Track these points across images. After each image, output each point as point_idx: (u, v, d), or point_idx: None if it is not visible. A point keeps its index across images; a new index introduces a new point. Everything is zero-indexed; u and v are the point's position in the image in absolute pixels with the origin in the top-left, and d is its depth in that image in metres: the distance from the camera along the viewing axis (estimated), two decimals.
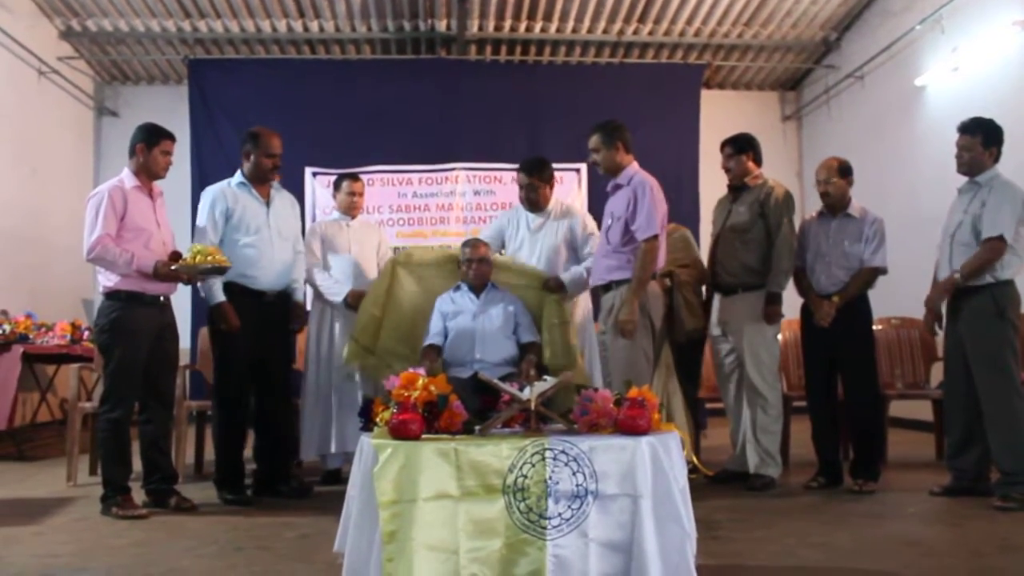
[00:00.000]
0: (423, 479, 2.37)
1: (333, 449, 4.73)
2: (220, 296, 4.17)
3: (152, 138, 4.11)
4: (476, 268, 4.37)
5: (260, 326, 4.22)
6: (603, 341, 4.24)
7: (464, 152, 7.97)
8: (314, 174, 7.89)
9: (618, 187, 4.27)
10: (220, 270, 4.02)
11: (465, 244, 4.52)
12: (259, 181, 4.34)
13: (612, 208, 4.27)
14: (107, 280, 3.98)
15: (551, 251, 4.63)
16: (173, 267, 3.96)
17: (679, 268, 4.79)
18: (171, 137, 4.18)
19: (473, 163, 7.94)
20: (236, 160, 4.51)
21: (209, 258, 3.95)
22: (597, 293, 4.41)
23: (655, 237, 4.05)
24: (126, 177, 4.07)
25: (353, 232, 4.99)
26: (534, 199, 4.64)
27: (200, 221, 4.29)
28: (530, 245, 4.66)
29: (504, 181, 7.89)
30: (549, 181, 4.69)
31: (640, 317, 4.07)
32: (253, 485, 4.37)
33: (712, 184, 7.01)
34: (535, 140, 7.96)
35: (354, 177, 5.13)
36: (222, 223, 4.24)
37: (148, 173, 4.12)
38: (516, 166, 7.67)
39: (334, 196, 5.14)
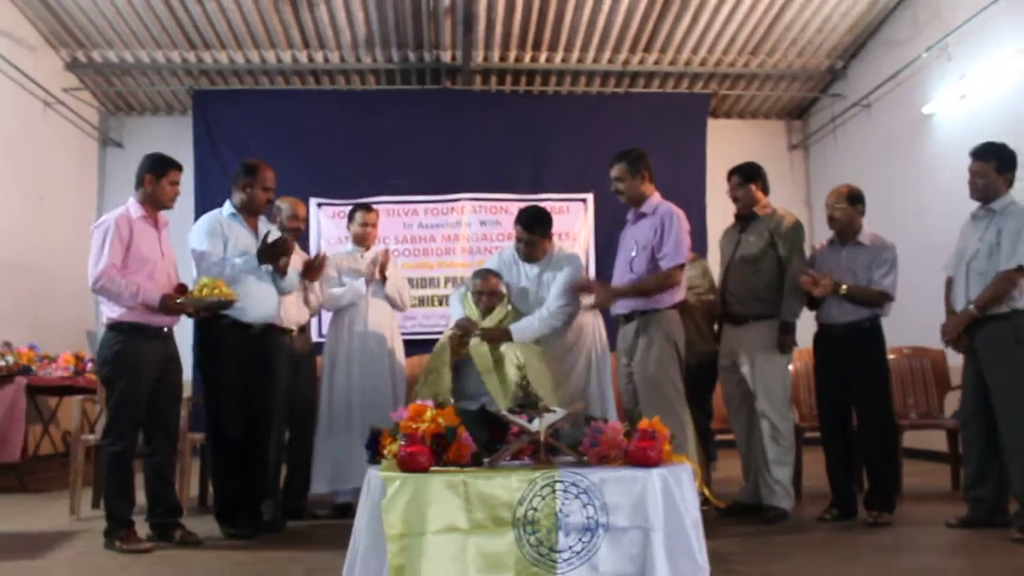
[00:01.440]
0: (432, 512, 2.37)
1: (347, 485, 4.72)
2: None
3: (160, 168, 4.13)
4: (487, 300, 4.42)
5: (245, 358, 4.22)
6: (628, 373, 4.26)
7: (470, 182, 8.02)
8: (319, 205, 7.95)
9: (641, 216, 4.31)
10: (226, 304, 4.04)
11: (475, 275, 4.56)
12: (251, 213, 4.36)
13: (636, 237, 4.31)
14: (111, 311, 3.99)
15: (540, 298, 4.54)
16: (179, 300, 3.98)
17: (694, 295, 4.81)
18: (179, 167, 4.21)
19: (479, 193, 8.00)
20: None
21: (216, 291, 3.97)
22: (618, 323, 4.42)
23: (681, 267, 4.11)
24: (132, 207, 4.09)
25: (367, 262, 5.04)
26: (532, 254, 4.56)
27: (200, 245, 4.25)
28: (532, 294, 4.59)
29: (510, 211, 7.92)
30: (547, 235, 4.59)
31: (667, 347, 4.12)
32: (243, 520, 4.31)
33: (719, 214, 7.03)
34: (541, 170, 8.01)
35: (367, 208, 5.19)
36: (222, 248, 4.25)
37: (155, 203, 4.14)
38: (522, 196, 7.91)
39: (348, 227, 5.21)
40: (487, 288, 4.44)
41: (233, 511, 4.25)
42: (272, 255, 4.21)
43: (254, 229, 4.36)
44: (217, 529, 4.24)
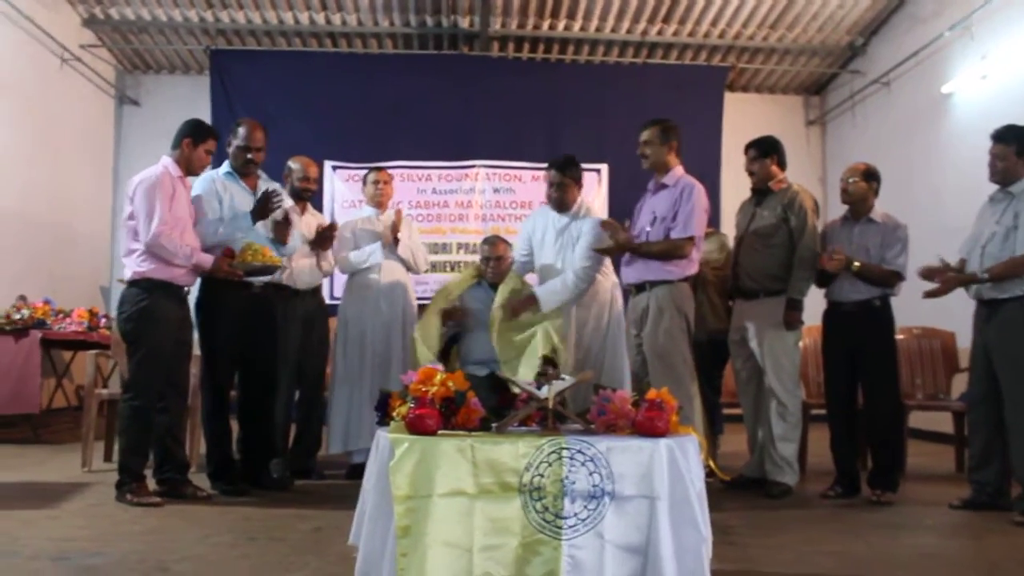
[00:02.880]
0: (439, 475, 2.37)
1: (361, 444, 4.75)
2: (209, 256, 4.13)
3: (200, 135, 4.18)
4: (495, 266, 4.45)
5: (245, 317, 4.25)
6: (637, 344, 4.26)
7: (484, 149, 7.99)
8: (334, 168, 7.94)
9: (662, 187, 4.32)
10: (272, 269, 4.13)
11: (484, 242, 4.62)
12: (244, 173, 4.37)
13: (655, 208, 4.32)
14: (138, 266, 3.99)
15: (559, 252, 4.56)
16: (232, 263, 4.05)
17: (710, 270, 4.80)
18: (216, 137, 4.27)
19: (493, 160, 7.98)
20: None
21: (260, 256, 4.05)
22: (629, 293, 4.43)
23: (691, 239, 4.11)
24: (170, 166, 4.12)
25: (384, 224, 5.04)
26: (562, 198, 4.57)
27: (199, 200, 4.28)
28: (555, 247, 4.60)
29: (524, 180, 7.93)
30: (578, 180, 4.65)
31: (677, 319, 4.15)
32: (235, 476, 4.37)
33: (734, 188, 7.01)
34: (555, 139, 7.97)
35: (379, 169, 5.23)
36: (217, 206, 4.26)
37: (188, 168, 4.19)
38: (536, 165, 7.88)
39: (363, 191, 5.23)
40: (495, 254, 4.47)
41: (226, 469, 4.30)
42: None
43: (252, 188, 4.36)
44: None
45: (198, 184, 4.32)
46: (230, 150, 4.37)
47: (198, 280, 4.25)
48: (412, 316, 4.99)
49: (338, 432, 4.84)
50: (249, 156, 4.33)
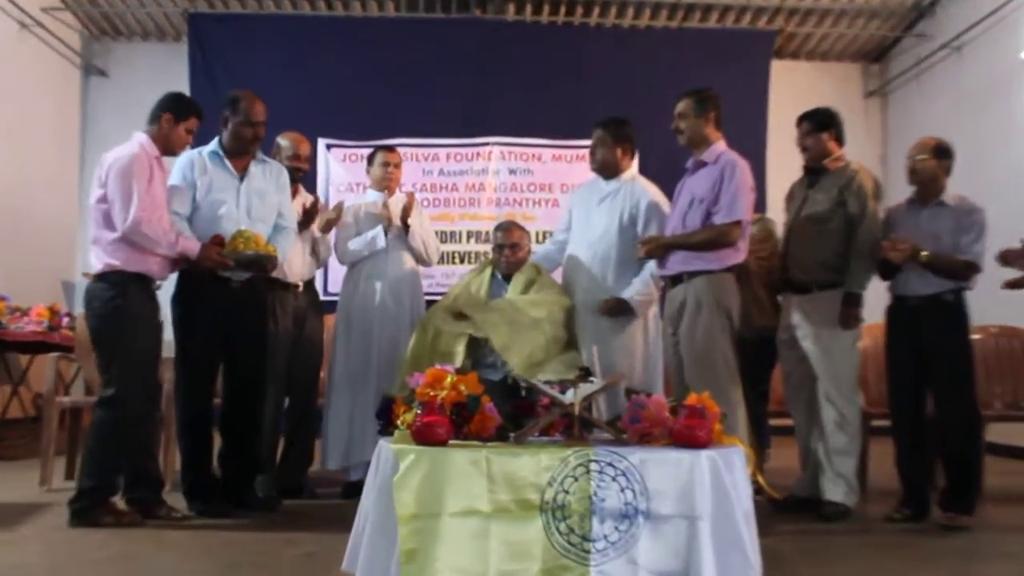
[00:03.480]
0: (450, 491, 2.37)
1: (363, 457, 4.70)
2: (196, 243, 4.14)
3: (182, 112, 4.18)
4: (509, 255, 4.45)
5: (228, 314, 4.26)
6: (673, 344, 4.25)
7: (499, 125, 7.99)
8: (328, 146, 7.94)
9: (701, 165, 4.30)
10: (265, 260, 4.16)
11: (498, 228, 4.62)
12: (237, 152, 4.37)
13: (693, 189, 4.29)
14: (108, 257, 3.99)
15: (611, 228, 4.56)
16: (222, 252, 4.07)
17: (755, 260, 4.77)
18: (200, 116, 4.27)
19: (509, 137, 7.97)
20: None
21: (253, 244, 4.08)
22: (665, 285, 4.42)
23: (737, 224, 4.09)
24: (147, 144, 4.11)
25: (391, 210, 4.99)
26: (604, 159, 4.62)
27: (173, 180, 4.29)
28: (587, 218, 4.63)
29: (544, 159, 7.91)
30: (623, 143, 4.65)
31: (718, 315, 4.12)
32: (215, 495, 4.37)
33: (781, 168, 6.98)
34: (579, 113, 7.92)
35: (389, 148, 5.23)
36: (191, 195, 4.26)
37: (166, 147, 4.18)
38: (557, 142, 7.88)
39: (367, 170, 5.22)
40: (509, 240, 4.48)
41: (205, 487, 4.30)
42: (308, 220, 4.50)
43: (240, 171, 4.36)
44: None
45: (178, 169, 4.32)
46: (228, 128, 4.35)
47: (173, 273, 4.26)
48: (420, 314, 4.98)
49: (335, 445, 4.83)
50: (255, 134, 4.36)
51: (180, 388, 4.34)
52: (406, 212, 4.90)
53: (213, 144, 4.38)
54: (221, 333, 4.26)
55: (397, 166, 5.12)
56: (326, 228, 4.87)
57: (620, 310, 4.44)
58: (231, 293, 4.27)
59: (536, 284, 4.54)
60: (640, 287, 4.48)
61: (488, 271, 4.69)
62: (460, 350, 4.26)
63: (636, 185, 4.65)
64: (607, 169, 4.67)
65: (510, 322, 4.27)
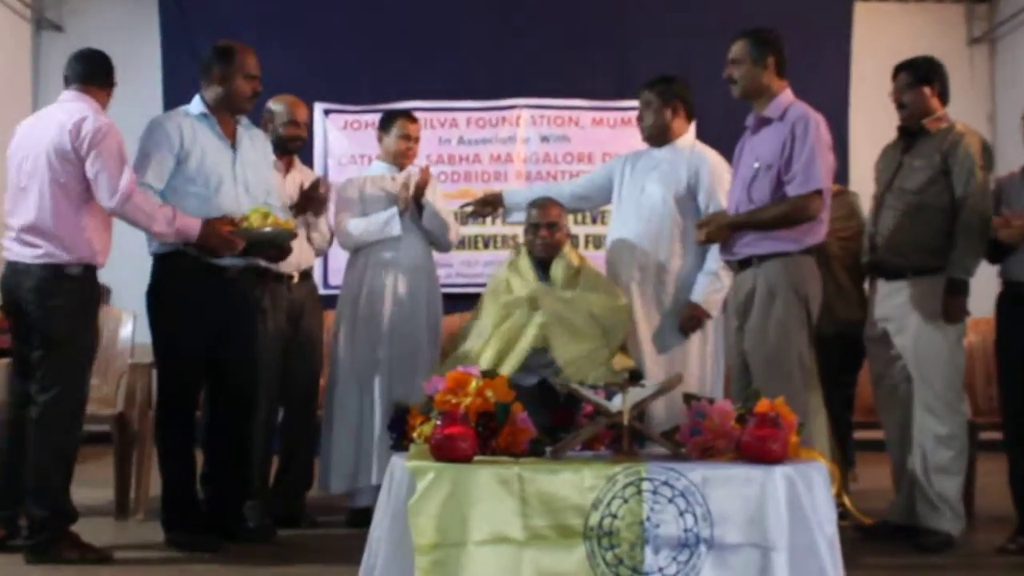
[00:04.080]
0: (476, 515, 2.39)
1: (372, 480, 4.73)
2: (195, 220, 4.17)
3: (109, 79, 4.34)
4: (546, 236, 4.43)
5: (217, 310, 4.29)
6: (739, 340, 4.25)
7: (528, 84, 7.95)
8: (326, 112, 7.95)
9: (764, 123, 4.25)
10: (283, 237, 4.23)
11: (532, 204, 4.58)
12: (231, 111, 4.40)
13: (756, 152, 4.25)
14: (61, 249, 4.03)
15: (667, 202, 4.57)
16: (233, 230, 4.12)
17: (837, 241, 4.75)
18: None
19: (540, 99, 7.93)
20: None
21: (270, 221, 4.14)
22: (732, 270, 4.41)
23: (816, 194, 4.04)
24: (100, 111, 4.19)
25: (399, 184, 4.97)
26: (655, 127, 4.65)
27: (158, 147, 4.28)
28: (635, 192, 4.65)
29: (582, 123, 7.87)
30: (673, 103, 4.67)
31: (793, 306, 4.08)
32: (199, 524, 4.40)
33: (866, 132, 6.92)
34: (624, 67, 7.93)
35: (409, 116, 5.16)
36: (171, 165, 4.28)
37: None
38: (598, 103, 7.84)
39: (379, 139, 5.19)
40: (546, 219, 4.45)
41: (188, 514, 4.33)
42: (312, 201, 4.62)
43: (230, 137, 4.39)
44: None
45: (151, 135, 4.32)
46: (221, 85, 4.36)
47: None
48: (437, 309, 5.02)
49: (338, 464, 4.83)
50: (254, 90, 4.41)
51: (161, 399, 4.38)
52: (419, 189, 4.87)
53: (197, 105, 4.38)
54: (211, 334, 4.29)
55: (416, 140, 5.11)
56: (316, 210, 4.86)
57: (700, 320, 4.50)
58: (223, 285, 4.30)
59: (581, 276, 4.52)
60: (710, 284, 4.50)
61: (526, 259, 4.63)
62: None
63: (695, 152, 4.66)
64: (658, 136, 4.69)
65: (572, 331, 4.29)
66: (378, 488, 4.62)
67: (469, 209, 5.21)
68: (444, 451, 2.47)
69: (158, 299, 4.34)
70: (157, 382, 4.42)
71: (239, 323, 4.37)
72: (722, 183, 4.56)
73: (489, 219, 7.80)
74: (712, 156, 4.65)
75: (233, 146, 4.38)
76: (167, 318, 4.31)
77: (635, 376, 3.80)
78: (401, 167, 5.08)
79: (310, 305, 4.94)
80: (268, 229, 4.11)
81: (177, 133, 4.26)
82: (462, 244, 7.69)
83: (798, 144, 4.08)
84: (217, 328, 4.30)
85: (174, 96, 7.78)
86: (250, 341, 4.43)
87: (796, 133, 4.09)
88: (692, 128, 4.78)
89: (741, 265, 4.26)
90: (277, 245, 4.24)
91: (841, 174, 7.19)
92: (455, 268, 7.56)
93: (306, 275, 4.93)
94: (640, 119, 4.75)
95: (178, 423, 4.35)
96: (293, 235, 4.28)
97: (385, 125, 5.14)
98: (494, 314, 4.41)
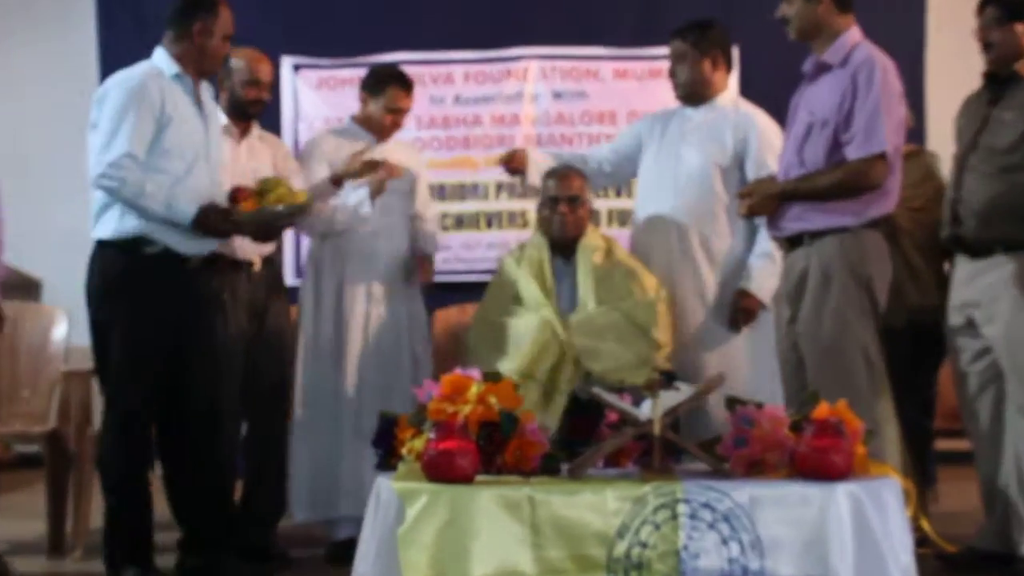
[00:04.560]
0: (478, 546, 2.39)
1: (347, 510, 4.75)
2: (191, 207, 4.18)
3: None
4: (566, 212, 4.40)
5: (177, 315, 4.30)
6: (791, 333, 4.25)
7: (538, 30, 7.94)
8: (296, 67, 7.96)
9: (824, 69, 4.23)
10: (299, 212, 4.33)
11: (549, 175, 4.55)
12: (200, 74, 4.43)
13: (812, 105, 4.23)
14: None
15: (705, 170, 4.59)
16: (242, 213, 4.18)
17: (908, 212, 4.74)
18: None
19: (552, 47, 7.92)
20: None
21: (288, 196, 4.21)
22: (781, 249, 4.42)
23: (880, 157, 4.01)
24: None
25: (389, 154, 4.97)
26: (687, 80, 4.65)
27: (114, 120, 4.23)
28: (667, 160, 4.66)
29: (603, 76, 7.85)
30: (712, 53, 4.67)
31: (855, 292, 4.07)
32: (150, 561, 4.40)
33: (945, 80, 6.91)
34: (653, 9, 7.91)
35: (404, 83, 5.13)
36: (151, 132, 4.25)
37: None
38: (622, 51, 7.82)
39: (362, 99, 5.16)
40: (567, 192, 4.43)
41: (141, 550, 4.32)
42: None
43: (199, 101, 4.41)
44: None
45: (122, 85, 4.29)
46: (191, 42, 4.35)
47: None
48: (420, 323, 5.09)
49: (312, 488, 4.87)
50: (226, 50, 4.48)
51: (112, 415, 4.33)
52: (376, 190, 4.81)
53: (166, 62, 4.36)
54: (172, 337, 4.29)
55: (406, 112, 5.14)
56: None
57: (754, 312, 4.53)
58: (186, 279, 4.31)
59: (612, 261, 4.50)
60: (764, 268, 4.52)
61: (543, 251, 4.60)
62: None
63: (740, 112, 4.68)
64: (694, 92, 4.69)
65: (610, 353, 4.31)
66: (358, 517, 4.70)
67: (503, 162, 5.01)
68: (439, 470, 2.47)
69: (105, 294, 4.31)
70: (104, 394, 4.40)
71: (203, 329, 4.39)
72: (772, 150, 4.56)
73: (492, 194, 7.86)
74: (761, 118, 4.66)
75: (200, 111, 4.39)
76: (118, 317, 4.29)
77: (669, 378, 3.80)
78: (381, 139, 5.07)
79: (275, 296, 4.93)
80: (284, 208, 4.17)
81: (158, 96, 4.25)
82: (460, 224, 7.71)
83: (860, 95, 4.04)
84: (179, 330, 4.30)
85: (110, 49, 7.80)
86: (217, 344, 4.45)
87: (858, 82, 4.05)
88: (733, 82, 4.77)
89: (791, 243, 4.25)
90: (292, 221, 4.39)
91: (916, 131, 7.18)
92: (453, 251, 7.55)
93: (269, 261, 4.92)
94: (672, 73, 4.75)
95: (131, 443, 4.33)
96: (306, 207, 4.37)
97: (373, 88, 5.10)
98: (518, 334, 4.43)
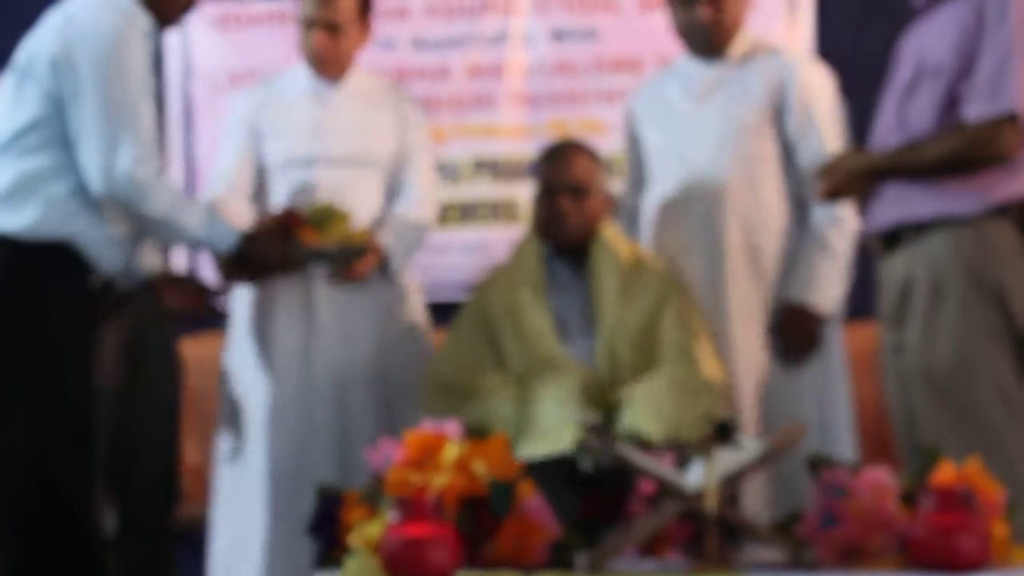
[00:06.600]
0: None
1: None
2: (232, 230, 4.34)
3: None
4: (568, 207, 4.39)
5: (126, 354, 4.40)
6: (897, 362, 4.24)
7: None
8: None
9: (937, 1, 4.24)
10: (359, 252, 4.50)
11: (547, 155, 4.56)
12: (161, 24, 4.49)
13: (920, 49, 4.24)
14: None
15: (732, 139, 4.62)
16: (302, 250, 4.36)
17: None
18: None
19: None
20: None
21: (343, 229, 4.41)
22: (872, 250, 4.43)
23: (1011, 120, 3.98)
24: None
25: (343, 111, 5.04)
26: (718, 21, 4.64)
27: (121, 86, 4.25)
28: (688, 129, 4.70)
29: (622, 7, 7.88)
30: None
31: (979, 305, 4.05)
32: None
33: None
34: None
35: None
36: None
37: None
38: None
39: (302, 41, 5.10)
40: (569, 179, 4.40)
41: None
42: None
43: None
44: None
45: (111, 31, 4.28)
46: None
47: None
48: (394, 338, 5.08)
49: None
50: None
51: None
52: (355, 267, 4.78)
53: (135, 8, 4.36)
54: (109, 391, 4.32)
55: (338, 29, 4.99)
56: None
57: (813, 333, 4.54)
58: (135, 310, 4.43)
59: (640, 271, 4.50)
60: (825, 266, 4.55)
61: (532, 265, 4.57)
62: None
63: (773, 54, 4.74)
64: (720, 43, 4.70)
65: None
66: None
67: None
68: (406, 566, 2.47)
69: (27, 338, 4.29)
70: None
71: (154, 372, 4.53)
72: (822, 102, 4.61)
73: (468, 175, 7.88)
74: (799, 57, 4.73)
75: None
76: (40, 365, 4.29)
77: (723, 430, 3.79)
78: (326, 70, 5.04)
79: (155, 332, 4.90)
80: (334, 248, 4.40)
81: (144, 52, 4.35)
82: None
83: (989, 35, 4.02)
84: (127, 380, 4.38)
85: None
86: (169, 397, 4.61)
87: (987, 16, 4.03)
88: (803, 26, 4.80)
89: (887, 242, 4.25)
90: (347, 262, 4.53)
91: None
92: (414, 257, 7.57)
93: (176, 280, 4.95)
94: (698, 17, 4.64)
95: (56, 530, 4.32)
96: (365, 249, 4.54)
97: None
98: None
